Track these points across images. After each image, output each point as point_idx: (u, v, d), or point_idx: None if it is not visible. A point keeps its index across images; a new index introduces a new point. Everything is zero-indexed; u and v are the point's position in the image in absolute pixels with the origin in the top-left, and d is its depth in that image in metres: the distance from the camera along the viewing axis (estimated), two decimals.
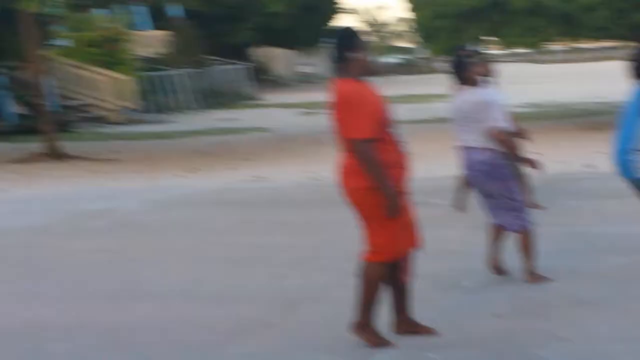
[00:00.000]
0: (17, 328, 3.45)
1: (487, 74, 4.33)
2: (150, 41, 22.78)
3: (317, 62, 40.64)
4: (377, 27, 47.94)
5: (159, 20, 22.94)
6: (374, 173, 2.76)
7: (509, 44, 16.26)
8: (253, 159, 11.12)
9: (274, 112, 20.06)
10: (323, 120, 17.91)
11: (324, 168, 9.10)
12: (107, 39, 18.33)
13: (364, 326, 2.91)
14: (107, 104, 17.60)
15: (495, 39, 15.26)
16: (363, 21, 47.02)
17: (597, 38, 16.30)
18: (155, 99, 19.69)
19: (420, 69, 37.49)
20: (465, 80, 3.76)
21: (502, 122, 3.71)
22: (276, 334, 3.27)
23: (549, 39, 15.33)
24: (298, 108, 20.43)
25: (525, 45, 16.14)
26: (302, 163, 10.19)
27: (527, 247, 3.76)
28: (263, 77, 32.47)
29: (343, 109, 2.82)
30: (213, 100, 22.46)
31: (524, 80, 21.93)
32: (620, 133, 3.40)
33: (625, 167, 3.36)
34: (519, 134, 4.55)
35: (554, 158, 7.83)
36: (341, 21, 37.12)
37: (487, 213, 3.93)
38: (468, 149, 3.78)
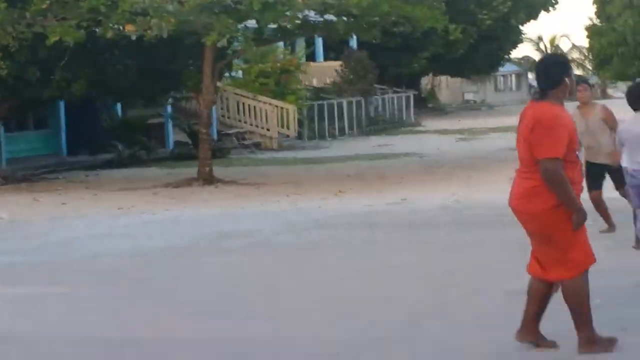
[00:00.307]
0: (146, 343, 3.56)
1: None
2: (323, 71, 23.85)
3: (483, 90, 40.64)
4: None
5: (334, 50, 23.76)
6: (562, 189, 2.90)
7: None
8: (401, 183, 10.86)
9: (430, 138, 19.72)
10: (478, 146, 17.66)
11: (471, 191, 8.58)
12: (280, 70, 19.34)
13: (593, 339, 2.95)
14: (265, 132, 18.56)
15: None
16: (538, 49, 46.39)
17: None
18: (317, 126, 20.31)
19: (594, 95, 35.37)
20: None
21: None
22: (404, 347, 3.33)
23: None
24: (455, 134, 19.94)
25: None
26: (450, 187, 9.69)
27: None
28: (428, 105, 32.86)
29: (541, 130, 2.94)
30: (373, 127, 22.70)
31: None
32: None
33: None
34: None
35: None
36: (519, 50, 36.45)
37: None
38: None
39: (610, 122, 5.72)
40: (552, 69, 3.07)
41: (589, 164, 5.55)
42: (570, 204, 2.90)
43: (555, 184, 2.89)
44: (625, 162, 4.65)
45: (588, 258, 3.00)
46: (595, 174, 5.64)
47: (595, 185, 5.67)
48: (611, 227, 5.75)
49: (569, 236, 2.92)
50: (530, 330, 3.02)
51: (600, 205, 5.77)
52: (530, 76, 48.38)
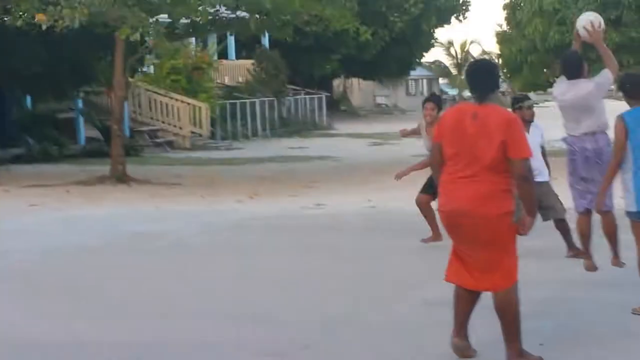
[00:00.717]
0: (56, 344, 3.50)
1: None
2: (235, 69, 23.79)
3: (395, 94, 41.97)
4: (463, 60, 46.93)
5: (247, 48, 23.38)
6: (532, 189, 2.92)
7: None
8: (315, 187, 11.01)
9: (344, 142, 20.12)
10: (391, 151, 18.30)
11: (386, 197, 8.90)
12: (192, 67, 19.06)
13: (522, 354, 2.87)
14: (178, 130, 18.23)
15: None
16: (449, 55, 48.37)
17: None
18: (229, 125, 20.15)
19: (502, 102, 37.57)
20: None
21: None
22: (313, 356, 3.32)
23: None
24: (369, 138, 20.45)
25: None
26: (365, 192, 9.97)
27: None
28: (341, 108, 33.28)
29: (518, 130, 2.94)
30: (286, 128, 22.84)
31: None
32: None
33: None
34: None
35: None
36: (430, 54, 37.54)
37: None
38: None
39: None
40: (492, 73, 3.14)
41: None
42: (533, 205, 2.91)
43: (530, 183, 2.89)
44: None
45: (517, 267, 2.98)
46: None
47: (427, 191, 5.67)
48: (436, 236, 5.61)
49: (512, 243, 2.91)
50: (463, 335, 2.98)
51: (429, 213, 5.75)
52: (442, 81, 50.59)
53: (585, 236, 4.64)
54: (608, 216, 4.36)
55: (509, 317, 2.88)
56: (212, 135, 19.20)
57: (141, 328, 3.76)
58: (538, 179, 4.49)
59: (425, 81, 47.88)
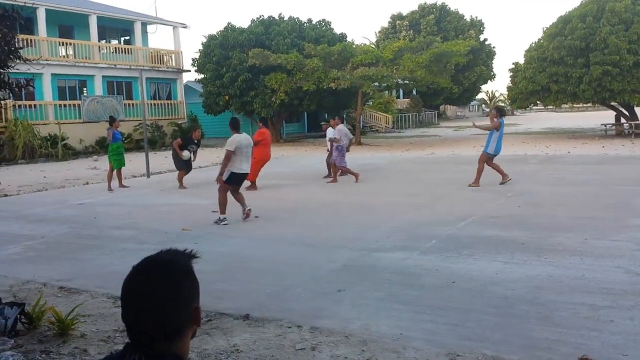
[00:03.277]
0: None
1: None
2: (401, 103, 49.14)
3: (464, 110, 65.09)
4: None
5: (405, 95, 48.45)
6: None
7: (548, 105, 34.17)
8: (431, 147, 31.22)
9: (443, 130, 39.96)
10: (460, 133, 41.19)
11: (452, 151, 28.86)
12: (386, 101, 41.60)
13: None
14: (380, 125, 40.38)
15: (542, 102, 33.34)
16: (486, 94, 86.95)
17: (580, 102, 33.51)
18: (399, 123, 42.30)
19: (507, 113, 70.92)
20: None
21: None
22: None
23: (563, 103, 32.87)
24: (454, 128, 40.14)
25: (555, 105, 33.67)
26: (450, 149, 30.00)
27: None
28: (442, 116, 61.90)
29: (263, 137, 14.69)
30: (420, 124, 44.69)
31: (547, 118, 38.36)
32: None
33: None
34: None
35: (552, 148, 26.58)
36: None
37: None
38: None
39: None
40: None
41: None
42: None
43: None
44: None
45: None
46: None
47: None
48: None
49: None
50: None
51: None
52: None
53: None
54: None
55: None
56: (393, 127, 41.06)
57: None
58: None
59: (476, 105, 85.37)
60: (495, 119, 13.13)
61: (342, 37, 36.56)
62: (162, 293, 1.36)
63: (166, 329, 1.36)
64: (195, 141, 14.82)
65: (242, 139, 9.98)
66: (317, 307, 5.29)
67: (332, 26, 36.74)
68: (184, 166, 14.63)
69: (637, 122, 31.51)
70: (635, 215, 8.96)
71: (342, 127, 15.30)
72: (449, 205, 10.57)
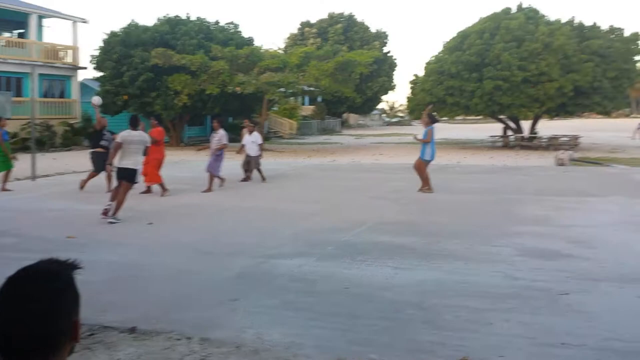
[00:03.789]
0: None
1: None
2: (307, 110, 49.58)
3: (366, 119, 68.13)
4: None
5: (311, 101, 48.93)
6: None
7: (443, 116, 36.13)
8: (333, 154, 31.76)
9: (346, 138, 41.05)
10: (361, 141, 42.49)
11: (354, 158, 29.49)
12: (290, 107, 41.72)
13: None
14: (284, 131, 40.70)
15: (440, 113, 35.06)
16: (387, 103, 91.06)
17: (472, 115, 35.87)
18: (303, 130, 42.81)
19: (404, 123, 75.91)
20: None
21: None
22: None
23: (457, 115, 34.89)
24: (355, 136, 41.39)
25: (449, 117, 35.67)
26: (350, 157, 30.66)
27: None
28: (344, 124, 62.78)
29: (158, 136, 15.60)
30: (324, 131, 45.58)
31: (442, 129, 41.04)
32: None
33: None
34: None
35: (445, 158, 27.56)
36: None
37: None
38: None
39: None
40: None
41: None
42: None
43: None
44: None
45: None
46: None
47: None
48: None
49: None
50: None
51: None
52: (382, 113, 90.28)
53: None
54: None
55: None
56: (297, 133, 41.41)
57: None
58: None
59: (377, 115, 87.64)
60: (426, 126, 13.25)
61: (250, 41, 36.41)
62: (39, 305, 1.27)
63: (42, 344, 1.27)
64: (105, 131, 13.89)
65: (130, 134, 10.07)
66: (209, 318, 5.20)
67: (240, 29, 36.49)
68: (100, 168, 13.85)
69: (522, 134, 33.85)
70: (516, 222, 9.61)
71: (223, 133, 14.84)
72: (347, 212, 10.79)
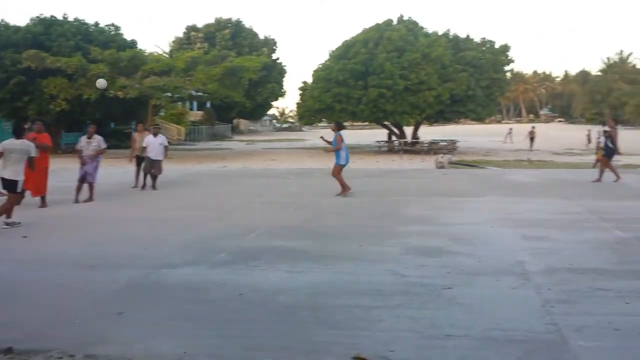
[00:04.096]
0: None
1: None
2: (196, 115, 49.01)
3: (256, 125, 74.31)
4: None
5: (199, 107, 48.51)
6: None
7: (331, 122, 37.62)
8: (225, 160, 31.34)
9: (236, 144, 40.87)
10: (251, 146, 43.37)
11: (242, 164, 29.24)
12: (178, 113, 40.48)
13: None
14: (172, 136, 39.53)
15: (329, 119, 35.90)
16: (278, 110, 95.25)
17: (359, 121, 37.37)
18: (193, 135, 41.78)
19: (295, 128, 78.22)
20: None
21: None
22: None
23: (345, 121, 36.01)
24: (245, 142, 41.37)
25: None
26: (240, 162, 30.35)
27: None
28: (236, 130, 62.98)
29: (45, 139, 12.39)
30: (215, 137, 44.99)
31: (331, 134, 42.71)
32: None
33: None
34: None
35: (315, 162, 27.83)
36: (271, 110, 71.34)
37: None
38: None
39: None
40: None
41: None
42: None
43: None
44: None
45: None
46: None
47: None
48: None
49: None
50: None
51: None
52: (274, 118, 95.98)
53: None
54: None
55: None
56: (186, 139, 40.41)
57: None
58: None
59: (268, 120, 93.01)
60: (335, 132, 13.66)
61: (133, 43, 35.04)
62: None
63: None
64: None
65: (12, 143, 9.61)
66: (93, 333, 4.91)
67: (122, 32, 35.02)
68: None
69: (405, 140, 35.46)
70: (402, 223, 10.03)
71: (100, 138, 13.94)
72: (239, 218, 10.69)
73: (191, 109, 51.70)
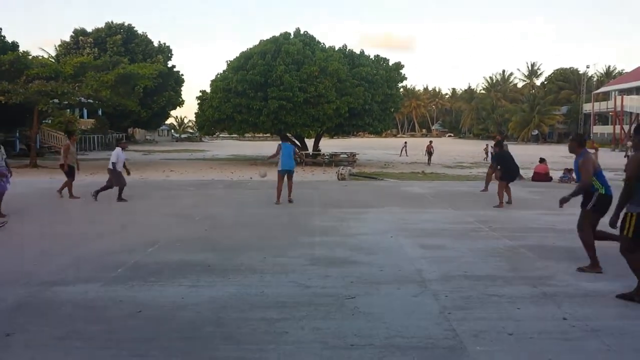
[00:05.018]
0: None
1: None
2: (86, 123, 45.63)
3: (153, 135, 72.55)
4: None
5: (90, 115, 45.76)
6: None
7: (233, 133, 36.88)
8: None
9: (130, 154, 39.36)
10: (157, 156, 41.73)
11: (176, 173, 28.14)
12: (67, 121, 38.30)
13: None
14: (60, 146, 37.31)
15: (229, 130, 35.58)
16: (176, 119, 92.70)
17: (261, 132, 37.58)
18: (84, 145, 39.62)
19: (194, 139, 78.49)
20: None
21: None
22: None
23: (246, 132, 35.94)
24: (142, 151, 39.93)
25: (239, 134, 36.62)
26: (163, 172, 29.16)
27: None
28: (131, 140, 62.65)
29: None
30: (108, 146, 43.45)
31: (232, 145, 42.95)
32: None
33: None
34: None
35: (237, 174, 27.16)
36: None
37: None
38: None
39: None
40: None
41: None
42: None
43: None
44: None
45: None
46: None
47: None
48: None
49: None
50: None
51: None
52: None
53: None
54: None
55: None
56: (76, 148, 38.52)
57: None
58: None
59: (166, 130, 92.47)
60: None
61: (15, 46, 32.77)
62: None
63: None
64: None
65: None
66: None
67: (3, 34, 32.64)
68: None
69: (307, 152, 35.85)
70: (306, 233, 10.10)
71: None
72: (136, 232, 10.26)
73: (81, 117, 49.30)
